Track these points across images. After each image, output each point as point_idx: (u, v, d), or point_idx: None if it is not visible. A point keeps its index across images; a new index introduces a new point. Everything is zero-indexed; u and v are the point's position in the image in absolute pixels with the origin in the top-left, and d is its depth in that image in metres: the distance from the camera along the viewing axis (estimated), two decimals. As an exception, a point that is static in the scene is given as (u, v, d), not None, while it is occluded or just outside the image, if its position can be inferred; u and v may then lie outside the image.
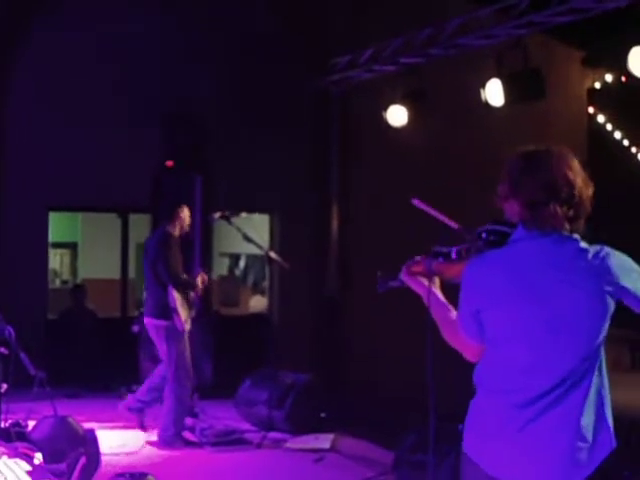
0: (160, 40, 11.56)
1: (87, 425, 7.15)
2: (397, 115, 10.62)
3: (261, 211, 12.72)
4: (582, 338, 2.94)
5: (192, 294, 7.92)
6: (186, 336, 7.79)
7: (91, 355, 10.84)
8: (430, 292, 3.27)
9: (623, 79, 14.33)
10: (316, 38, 11.86)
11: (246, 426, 8.60)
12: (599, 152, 16.37)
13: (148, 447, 7.81)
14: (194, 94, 11.40)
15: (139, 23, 11.41)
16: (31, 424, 7.06)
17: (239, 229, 8.03)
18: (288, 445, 7.94)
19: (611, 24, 9.88)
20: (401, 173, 12.16)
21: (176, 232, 7.94)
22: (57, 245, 14.86)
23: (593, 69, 14.98)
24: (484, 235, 3.19)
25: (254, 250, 9.01)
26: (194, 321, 9.50)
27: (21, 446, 4.34)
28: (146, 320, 7.88)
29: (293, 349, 11.13)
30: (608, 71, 14.93)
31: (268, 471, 7.38)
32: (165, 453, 7.63)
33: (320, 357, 11.72)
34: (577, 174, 3.01)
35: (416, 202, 3.82)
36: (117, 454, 7.49)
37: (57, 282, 15.37)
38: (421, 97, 10.53)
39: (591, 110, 16.13)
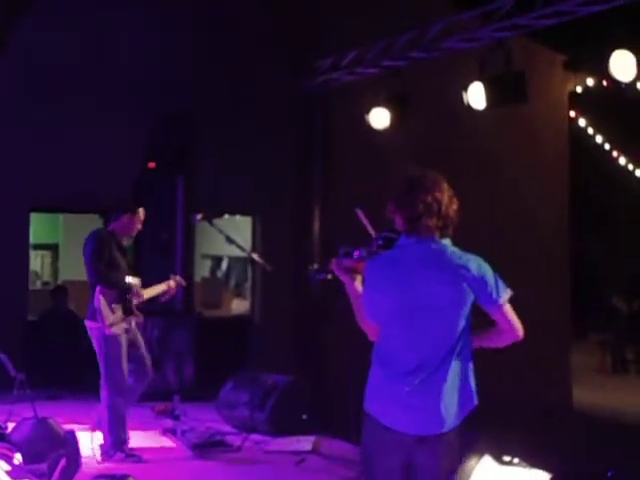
0: (145, 42, 11.54)
1: (67, 427, 7.13)
2: (379, 118, 10.63)
3: (243, 213, 12.72)
4: (445, 322, 3.82)
5: (134, 299, 7.46)
6: (121, 340, 7.35)
7: (72, 357, 10.79)
8: (348, 284, 4.08)
9: (605, 83, 14.40)
10: (299, 40, 11.85)
11: (227, 428, 8.58)
12: (580, 156, 16.47)
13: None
14: (178, 96, 11.38)
15: (124, 23, 11.39)
16: (11, 426, 7.03)
17: (221, 231, 7.95)
18: (269, 447, 7.93)
19: (593, 28, 9.93)
20: (383, 175, 12.13)
21: (116, 233, 7.56)
22: (38, 246, 14.78)
23: (575, 73, 15.05)
24: (379, 241, 4.15)
25: (236, 252, 8.98)
26: (176, 322, 9.44)
27: (0, 446, 4.31)
28: (86, 323, 7.46)
29: (275, 351, 11.13)
30: (590, 75, 15.01)
31: (249, 473, 7.36)
32: (146, 455, 7.58)
33: (302, 359, 11.71)
34: (444, 194, 3.92)
35: (359, 213, 4.56)
36: (97, 456, 7.45)
37: (38, 283, 15.29)
38: (403, 100, 10.54)
39: (572, 114, 16.22)
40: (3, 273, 10.81)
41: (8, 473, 4.06)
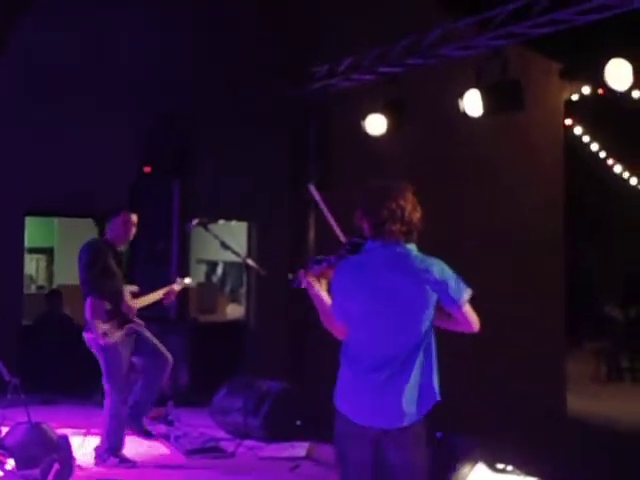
0: (144, 42, 11.53)
1: (61, 431, 7.11)
2: (376, 124, 10.64)
3: (239, 218, 12.72)
4: (409, 321, 4.09)
5: (125, 307, 7.50)
6: (119, 348, 7.33)
7: (66, 361, 10.76)
8: (316, 292, 4.36)
9: (600, 91, 14.44)
10: (296, 46, 11.87)
11: (221, 434, 8.56)
12: (576, 164, 16.49)
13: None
14: (174, 100, 11.37)
15: (124, 23, 11.38)
16: (4, 430, 7.01)
17: (217, 236, 7.94)
18: (263, 453, 7.91)
19: (589, 37, 9.96)
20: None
21: (111, 240, 7.55)
22: (33, 250, 14.76)
23: (571, 81, 15.09)
24: (347, 247, 4.43)
25: (232, 257, 8.97)
26: (170, 327, 9.42)
27: (-7, 451, 4.30)
28: (84, 334, 7.46)
29: (269, 357, 11.12)
30: (585, 83, 15.05)
31: (243, 479, 7.35)
32: (139, 461, 7.57)
33: (297, 364, 11.71)
34: (408, 202, 4.21)
35: (311, 189, 5.20)
36: (90, 461, 7.44)
37: (33, 287, 15.26)
38: (400, 106, 10.56)
39: (568, 122, 16.26)
40: (-2, 277, 10.81)
41: (1, 478, 4.04)
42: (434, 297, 4.11)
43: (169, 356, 7.83)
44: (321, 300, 4.34)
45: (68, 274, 14.86)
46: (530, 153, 14.36)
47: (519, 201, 14.11)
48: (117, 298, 7.43)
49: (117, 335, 7.32)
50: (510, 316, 13.33)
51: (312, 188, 5.22)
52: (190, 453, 7.82)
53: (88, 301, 7.22)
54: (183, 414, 8.93)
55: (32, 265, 15.44)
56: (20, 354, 10.45)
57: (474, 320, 4.26)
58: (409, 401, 4.06)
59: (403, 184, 4.30)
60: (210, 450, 7.95)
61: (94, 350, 7.40)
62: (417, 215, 4.25)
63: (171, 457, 7.84)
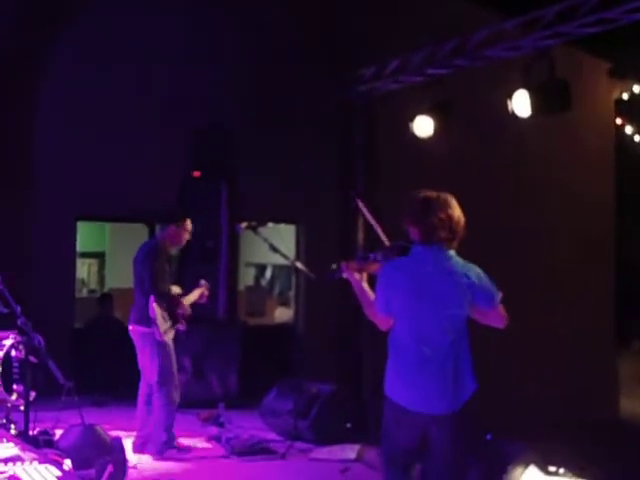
0: (187, 51, 11.64)
1: (114, 433, 7.20)
2: (423, 126, 10.61)
3: (287, 221, 12.76)
4: (450, 319, 4.56)
5: (181, 308, 7.72)
6: (169, 347, 7.63)
7: (118, 364, 10.87)
8: (358, 282, 4.86)
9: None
10: (343, 49, 11.89)
11: (272, 436, 8.60)
12: (627, 163, 16.30)
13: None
14: (221, 105, 11.47)
15: (165, 35, 11.50)
16: (58, 432, 7.12)
17: (265, 239, 8.00)
18: (313, 455, 7.94)
19: (637, 35, 9.85)
20: (427, 184, 12.09)
21: (167, 244, 7.84)
22: (85, 255, 14.94)
23: (620, 80, 14.93)
24: (395, 249, 4.93)
25: (280, 260, 9.01)
26: (221, 330, 9.52)
27: (50, 452, 4.38)
28: (131, 327, 7.74)
29: (318, 359, 11.14)
30: (635, 82, 14.87)
31: (294, 481, 7.40)
32: (191, 462, 7.64)
33: (345, 367, 11.72)
34: (455, 212, 4.67)
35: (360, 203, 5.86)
36: (143, 462, 7.53)
37: (84, 291, 15.45)
38: (447, 108, 10.53)
39: (619, 121, 16.07)
40: (51, 281, 10.95)
41: (59, 479, 4.12)
42: (470, 298, 4.60)
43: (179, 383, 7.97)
44: (363, 290, 4.84)
45: (119, 278, 15.05)
46: (580, 153, 14.23)
47: (569, 201, 13.99)
48: (172, 298, 7.62)
49: (171, 334, 7.56)
50: (559, 316, 13.23)
51: (359, 200, 5.87)
52: (241, 454, 7.88)
53: (151, 299, 7.43)
54: (234, 416, 9.01)
55: (84, 269, 15.64)
56: (72, 357, 10.58)
57: (504, 317, 4.74)
58: (452, 389, 4.51)
59: (449, 195, 4.75)
60: (261, 452, 8.00)
61: (146, 344, 7.60)
62: (462, 224, 4.70)
63: (222, 458, 7.90)
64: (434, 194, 4.74)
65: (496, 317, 4.72)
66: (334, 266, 5.07)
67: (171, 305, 7.63)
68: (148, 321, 7.53)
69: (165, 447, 7.62)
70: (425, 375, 4.52)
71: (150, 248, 7.80)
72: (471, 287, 4.60)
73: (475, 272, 4.66)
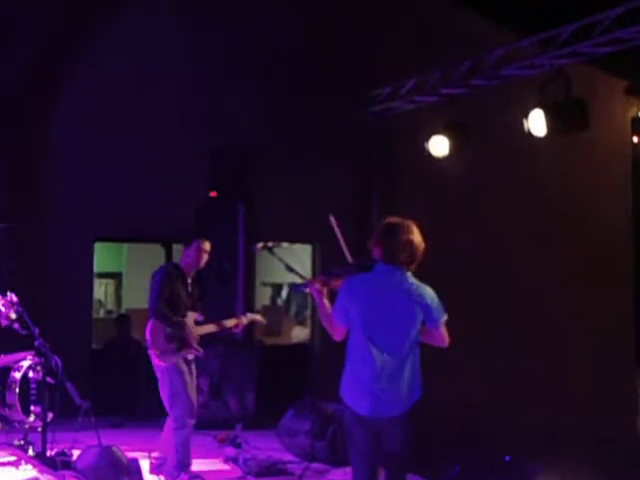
0: (204, 72, 11.70)
1: (131, 455, 7.20)
2: (439, 146, 10.63)
3: (303, 241, 12.76)
4: (404, 332, 5.10)
5: (189, 333, 7.61)
6: (180, 367, 7.46)
7: (135, 385, 10.89)
8: (320, 296, 5.43)
9: (667, 108, 14.23)
10: (359, 69, 11.92)
11: (289, 457, 8.58)
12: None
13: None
14: (238, 125, 11.51)
15: (183, 56, 11.56)
16: (76, 453, 7.12)
17: (281, 259, 7.98)
18: (330, 477, 7.91)
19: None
20: (443, 203, 12.15)
21: (185, 266, 7.75)
22: (102, 275, 14.98)
23: (637, 98, 14.90)
24: (356, 266, 5.58)
25: (296, 280, 9.00)
26: (237, 351, 9.47)
27: (68, 474, 4.38)
28: (149, 352, 7.63)
29: (335, 379, 11.09)
30: (652, 100, 14.83)
31: (311, 502, 7.37)
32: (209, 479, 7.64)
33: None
34: (415, 237, 5.18)
35: (332, 220, 6.32)
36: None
37: (102, 312, 15.48)
38: (463, 128, 10.53)
39: (635, 140, 16.02)
40: (68, 302, 10.99)
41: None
42: (421, 315, 5.13)
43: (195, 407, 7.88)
44: (323, 304, 5.42)
45: (136, 298, 15.05)
46: (597, 172, 14.18)
47: (586, 220, 13.93)
48: (175, 323, 7.54)
49: (172, 359, 7.42)
50: (578, 335, 13.16)
51: (332, 219, 6.32)
52: (258, 475, 7.86)
53: (149, 323, 7.39)
54: (251, 436, 8.99)
55: (101, 290, 15.67)
56: (90, 378, 10.60)
57: (446, 338, 5.28)
58: (404, 395, 5.11)
59: (412, 222, 5.25)
60: (278, 473, 7.98)
61: (155, 368, 7.54)
62: (421, 249, 5.21)
63: (240, 477, 7.88)
64: (398, 220, 5.26)
65: (440, 337, 5.25)
66: (301, 281, 5.72)
67: (176, 330, 7.53)
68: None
69: (176, 471, 7.55)
70: (381, 384, 5.07)
71: (159, 271, 7.72)
72: (424, 307, 5.14)
73: (429, 293, 5.20)
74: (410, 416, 5.16)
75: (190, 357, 7.59)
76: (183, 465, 7.55)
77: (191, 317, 7.75)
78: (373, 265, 5.25)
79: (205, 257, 7.83)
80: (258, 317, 8.44)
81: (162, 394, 7.55)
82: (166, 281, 7.53)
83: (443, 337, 5.26)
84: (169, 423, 7.57)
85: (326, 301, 5.43)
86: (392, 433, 5.15)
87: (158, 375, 7.52)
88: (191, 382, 7.57)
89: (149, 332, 7.42)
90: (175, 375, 7.46)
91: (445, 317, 5.23)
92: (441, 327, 5.23)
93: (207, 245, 7.83)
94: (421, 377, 5.20)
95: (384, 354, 5.07)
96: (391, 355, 5.07)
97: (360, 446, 5.18)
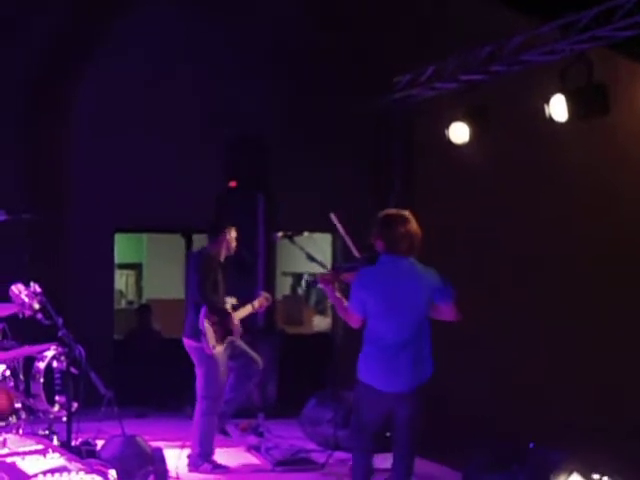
0: (221, 61, 11.69)
1: (154, 444, 7.22)
2: (459, 132, 10.56)
3: (323, 230, 12.74)
4: (414, 314, 5.55)
5: (231, 322, 7.84)
6: (220, 358, 7.70)
7: (157, 375, 10.93)
8: (332, 291, 5.80)
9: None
10: (377, 57, 11.87)
11: (311, 445, 8.60)
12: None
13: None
14: (256, 115, 11.49)
15: (201, 47, 11.56)
16: (100, 443, 7.15)
17: (302, 248, 8.00)
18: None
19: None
20: (464, 190, 12.09)
21: (218, 254, 7.91)
22: (122, 266, 15.04)
23: (658, 83, 14.77)
24: (363, 260, 5.94)
25: (317, 269, 9.00)
26: (259, 339, 9.53)
27: (95, 462, 4.40)
28: (184, 341, 7.83)
29: (356, 368, 11.09)
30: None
31: (334, 491, 7.37)
32: (232, 473, 7.65)
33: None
34: (412, 226, 5.60)
35: (333, 217, 6.77)
36: (184, 468, 7.56)
37: (123, 302, 15.54)
38: (483, 114, 10.47)
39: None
40: (90, 293, 11.03)
41: (106, 490, 4.15)
42: (430, 296, 5.58)
43: (260, 360, 8.05)
44: (336, 297, 5.78)
45: (157, 289, 15.15)
46: (619, 156, 14.05)
47: (609, 205, 13.83)
48: (223, 311, 7.66)
49: (221, 347, 7.57)
50: (606, 322, 13.08)
51: (333, 217, 6.76)
52: (281, 464, 7.88)
53: (202, 312, 7.45)
54: (273, 426, 9.01)
55: (122, 280, 15.73)
56: (112, 368, 10.64)
57: (457, 313, 5.67)
58: (416, 372, 5.54)
59: (408, 212, 5.69)
60: (301, 461, 8.00)
61: (195, 357, 7.64)
62: (419, 237, 5.63)
63: (262, 468, 7.90)
64: (395, 211, 5.72)
65: (450, 312, 5.66)
66: (312, 278, 6.04)
67: (222, 318, 7.66)
68: (197, 335, 7.57)
69: (199, 460, 7.60)
70: (396, 362, 5.50)
71: (198, 258, 7.87)
72: (435, 288, 5.59)
73: (434, 275, 5.65)
74: (421, 393, 5.58)
75: (234, 340, 7.87)
76: (206, 454, 7.60)
77: (229, 302, 7.89)
78: (377, 257, 5.67)
79: (234, 245, 7.94)
80: (265, 296, 8.46)
81: (198, 376, 7.66)
82: (207, 267, 7.66)
83: (454, 313, 5.67)
84: (196, 411, 7.65)
85: (338, 294, 5.79)
86: (403, 408, 5.58)
87: (196, 359, 7.63)
88: (225, 371, 7.69)
89: (203, 324, 7.50)
90: (214, 365, 7.63)
91: (454, 294, 5.65)
92: (452, 304, 5.66)
93: (234, 232, 7.93)
94: (432, 355, 5.64)
95: (398, 335, 5.52)
96: (404, 336, 5.52)
97: (369, 419, 5.69)
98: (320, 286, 5.95)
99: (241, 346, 8.06)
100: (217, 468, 7.65)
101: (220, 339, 7.65)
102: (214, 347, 7.56)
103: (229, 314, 7.79)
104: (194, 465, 7.61)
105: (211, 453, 7.70)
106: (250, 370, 8.05)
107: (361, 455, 5.83)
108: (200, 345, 7.56)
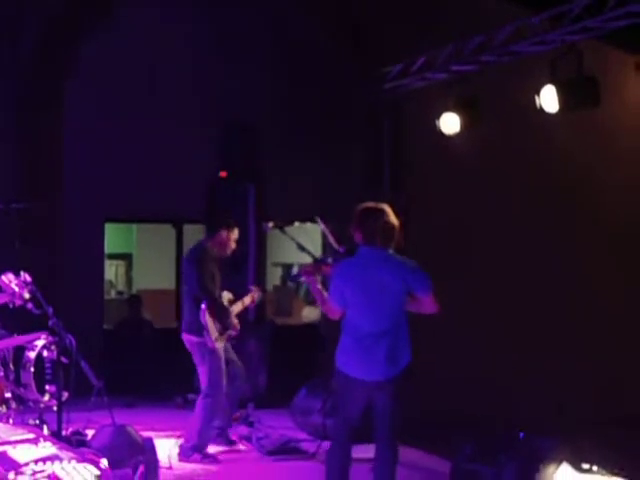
0: (212, 51, 11.68)
1: (145, 434, 7.22)
2: (450, 123, 10.56)
3: (314, 221, 12.73)
4: (391, 304, 5.67)
5: (230, 315, 7.84)
6: (221, 353, 7.71)
7: (147, 365, 10.93)
8: (314, 283, 5.92)
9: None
10: (368, 47, 11.86)
11: (302, 435, 8.61)
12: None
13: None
14: (246, 104, 11.48)
15: (193, 35, 11.54)
16: (90, 433, 7.15)
17: (293, 238, 8.00)
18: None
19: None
20: (454, 181, 12.11)
21: (214, 248, 7.90)
22: (112, 256, 15.02)
23: (649, 74, 14.79)
24: (342, 251, 6.42)
25: (307, 260, 9.00)
26: (249, 330, 9.53)
27: (87, 451, 4.40)
28: (183, 336, 7.82)
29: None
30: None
31: (325, 480, 7.37)
32: (222, 463, 7.66)
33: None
34: (390, 218, 5.74)
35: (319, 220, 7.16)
36: (174, 463, 7.56)
37: (112, 293, 15.53)
38: (473, 104, 10.48)
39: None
40: (80, 282, 11.01)
41: (99, 477, 4.14)
42: (407, 286, 5.67)
43: (238, 361, 8.02)
44: (318, 290, 5.91)
45: (147, 279, 15.13)
46: (609, 146, 14.07)
47: (597, 194, 13.85)
48: (222, 305, 7.65)
49: (222, 341, 7.57)
50: (595, 310, 13.11)
51: (318, 220, 7.17)
52: (271, 454, 7.89)
53: (204, 305, 7.44)
54: (263, 415, 9.01)
55: (112, 271, 15.72)
56: (102, 358, 10.63)
57: (435, 304, 5.79)
58: (392, 361, 5.63)
59: (386, 205, 5.81)
60: (291, 451, 8.01)
61: (196, 353, 7.63)
62: (396, 229, 5.75)
63: (253, 458, 7.91)
64: (373, 204, 5.81)
65: (429, 304, 5.77)
66: (295, 271, 6.06)
67: (221, 312, 7.65)
68: (198, 329, 7.55)
69: (191, 451, 7.61)
70: (372, 352, 5.61)
71: (197, 251, 7.82)
72: (411, 279, 5.66)
73: (413, 266, 5.74)
74: (399, 381, 5.67)
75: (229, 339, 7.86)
76: (200, 448, 7.60)
77: (226, 296, 7.89)
78: (355, 249, 5.85)
79: (233, 245, 7.91)
80: (256, 292, 8.47)
81: (201, 373, 7.65)
82: (205, 262, 7.64)
83: (432, 304, 5.78)
84: (198, 404, 7.67)
85: (319, 286, 5.93)
86: (381, 397, 5.68)
87: (198, 355, 7.62)
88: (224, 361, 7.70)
89: (204, 318, 7.48)
90: (217, 360, 7.64)
91: (431, 285, 5.74)
92: (430, 294, 5.75)
93: (236, 233, 7.94)
94: (410, 343, 5.74)
95: (375, 324, 5.64)
96: (380, 326, 5.63)
97: (348, 407, 5.78)
98: (302, 279, 6.09)
99: (229, 351, 8.04)
100: (206, 458, 7.66)
101: (220, 333, 7.65)
102: (216, 340, 7.55)
103: (228, 309, 7.79)
104: (185, 455, 7.62)
105: (205, 447, 7.71)
106: (232, 372, 8.00)
107: (339, 446, 5.84)
108: (202, 340, 7.55)
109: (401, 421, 5.83)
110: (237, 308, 8.03)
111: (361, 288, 5.67)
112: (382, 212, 5.75)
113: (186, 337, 7.74)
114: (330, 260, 6.21)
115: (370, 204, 5.83)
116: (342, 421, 5.86)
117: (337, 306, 5.80)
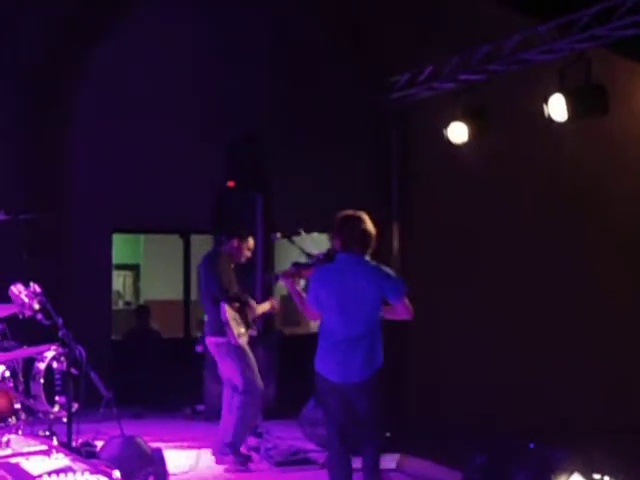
0: (220, 62, 11.68)
1: (153, 445, 7.20)
2: (458, 132, 10.55)
3: (321, 230, 12.72)
4: (366, 309, 5.85)
5: (251, 313, 7.92)
6: (247, 350, 7.80)
7: (155, 376, 10.91)
8: (293, 286, 6.18)
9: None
10: (376, 56, 11.86)
11: (310, 446, 8.57)
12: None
13: (216, 468, 7.82)
14: (255, 116, 11.48)
15: (199, 48, 11.54)
16: (99, 444, 7.13)
17: (301, 248, 8.01)
18: (353, 465, 7.87)
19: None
20: (462, 190, 12.09)
21: (231, 254, 7.98)
22: (120, 267, 15.01)
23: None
24: (321, 256, 6.34)
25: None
26: (257, 341, 9.52)
27: (99, 463, 4.38)
28: (207, 340, 7.89)
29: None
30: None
31: (334, 491, 7.33)
32: (231, 474, 7.64)
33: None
34: (367, 226, 5.94)
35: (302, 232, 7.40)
36: (184, 474, 7.53)
37: (120, 303, 15.51)
38: (481, 114, 10.47)
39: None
40: (88, 293, 11.00)
41: (111, 490, 4.13)
42: (381, 293, 5.84)
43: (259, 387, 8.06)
44: (297, 292, 6.16)
45: (154, 290, 15.11)
46: (617, 155, 14.04)
47: (604, 203, 13.81)
48: (243, 299, 7.80)
49: (245, 336, 7.64)
50: (604, 318, 13.06)
51: (302, 231, 7.44)
52: (280, 465, 7.87)
53: (222, 305, 7.55)
54: (272, 426, 8.98)
55: (119, 281, 15.70)
56: (111, 369, 10.61)
57: (410, 310, 5.96)
58: (367, 364, 5.82)
59: (364, 213, 5.99)
60: (300, 462, 7.99)
61: (221, 354, 7.69)
62: (373, 236, 5.96)
63: (261, 469, 7.89)
64: (352, 212, 6.00)
65: (403, 310, 5.92)
66: (273, 274, 6.83)
67: (243, 305, 7.74)
68: (220, 329, 7.62)
69: (227, 449, 7.69)
70: (347, 356, 5.79)
71: (210, 255, 7.94)
72: (385, 285, 5.84)
73: (388, 272, 5.93)
74: (374, 382, 5.87)
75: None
76: (236, 445, 7.67)
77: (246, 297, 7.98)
78: (335, 255, 6.05)
79: (248, 254, 8.01)
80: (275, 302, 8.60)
81: (230, 373, 7.69)
82: (222, 262, 7.74)
83: (406, 310, 5.93)
84: (235, 403, 7.74)
85: (299, 289, 6.17)
86: (359, 397, 5.86)
87: (226, 355, 7.68)
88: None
89: (225, 315, 7.60)
90: (246, 354, 7.76)
91: (405, 291, 5.91)
92: (403, 301, 5.91)
93: (252, 242, 8.14)
94: (382, 347, 5.93)
95: (349, 329, 5.81)
96: (354, 331, 5.80)
97: (331, 409, 5.94)
98: (281, 281, 6.38)
99: None
100: (239, 457, 7.78)
101: (244, 330, 7.74)
102: (239, 336, 7.62)
103: (248, 302, 7.87)
104: (220, 453, 7.70)
105: (240, 445, 7.78)
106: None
107: (335, 453, 6.00)
108: (226, 339, 7.64)
109: (382, 427, 6.11)
110: (261, 309, 8.13)
111: (336, 293, 5.86)
112: (360, 220, 5.95)
113: (209, 340, 7.84)
114: (309, 264, 6.39)
115: (349, 212, 6.02)
116: (330, 426, 5.99)
117: (314, 308, 6.01)
